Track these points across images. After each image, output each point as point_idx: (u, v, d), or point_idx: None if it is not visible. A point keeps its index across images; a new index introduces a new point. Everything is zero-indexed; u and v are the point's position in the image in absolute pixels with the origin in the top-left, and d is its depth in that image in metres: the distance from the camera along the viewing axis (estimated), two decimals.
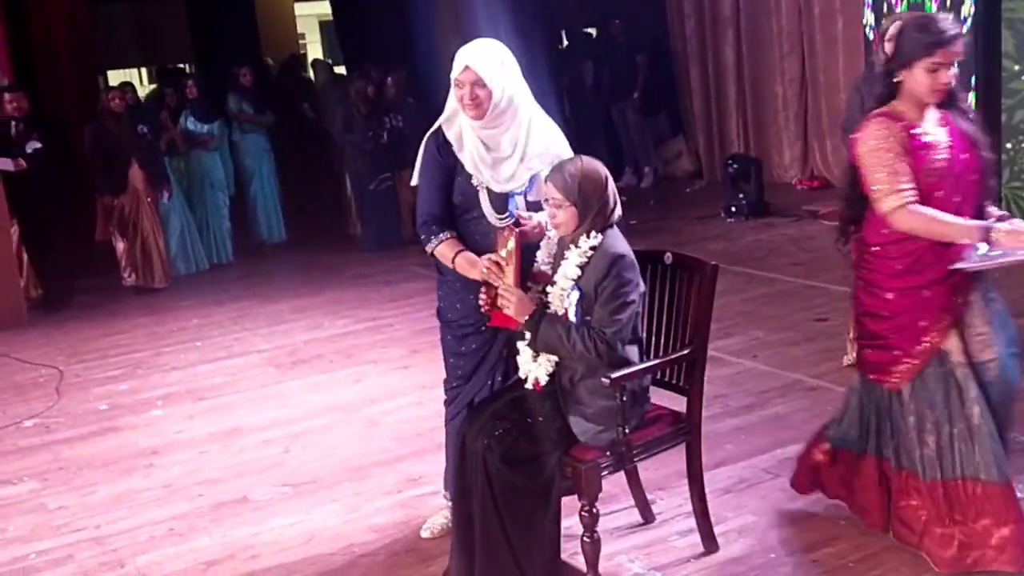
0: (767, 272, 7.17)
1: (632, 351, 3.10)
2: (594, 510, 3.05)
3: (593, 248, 3.04)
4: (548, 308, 3.09)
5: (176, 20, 12.75)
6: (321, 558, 3.63)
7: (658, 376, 3.32)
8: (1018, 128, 7.53)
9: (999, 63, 7.60)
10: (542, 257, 3.25)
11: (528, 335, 3.06)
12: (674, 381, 3.33)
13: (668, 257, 3.38)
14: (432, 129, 3.40)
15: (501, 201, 3.30)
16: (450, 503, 3.62)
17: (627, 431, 3.07)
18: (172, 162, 8.76)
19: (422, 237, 3.37)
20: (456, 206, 3.35)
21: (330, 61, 14.58)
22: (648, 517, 3.64)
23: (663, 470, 3.85)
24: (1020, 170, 7.60)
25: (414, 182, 3.45)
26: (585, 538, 3.07)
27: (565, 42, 12.33)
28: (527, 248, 3.17)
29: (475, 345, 3.44)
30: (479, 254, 3.28)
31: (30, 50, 9.99)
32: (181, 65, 13.53)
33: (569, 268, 3.07)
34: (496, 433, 3.09)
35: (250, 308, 7.55)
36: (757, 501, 3.74)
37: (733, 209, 9.24)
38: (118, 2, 12.19)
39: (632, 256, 3.08)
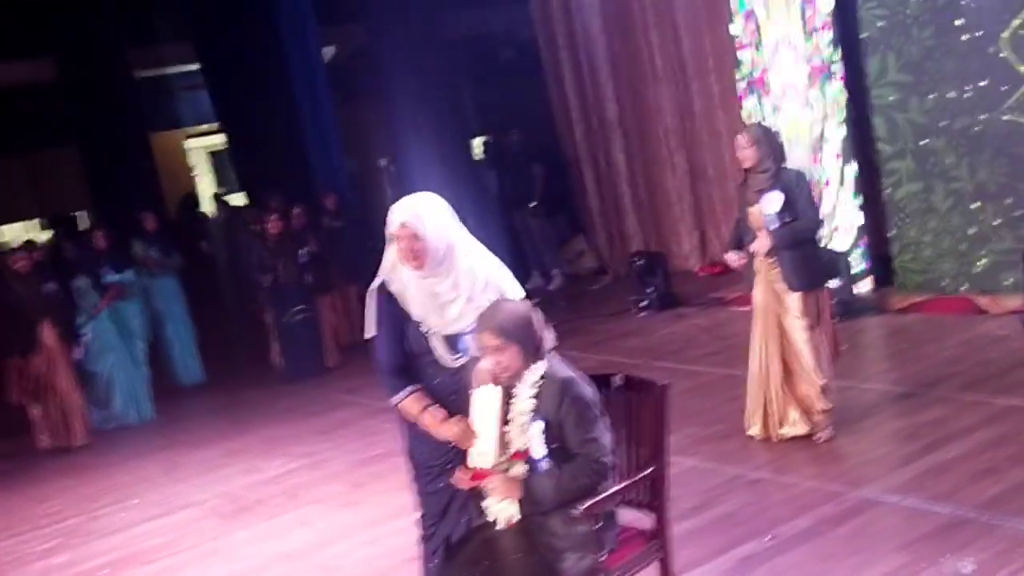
0: (688, 365, 7.41)
1: None
2: None
3: (542, 377, 3.18)
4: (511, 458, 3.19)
5: (71, 167, 12.67)
6: None
7: (625, 497, 3.44)
8: (900, 205, 8.02)
9: (874, 147, 8.13)
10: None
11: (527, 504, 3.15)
12: (639, 499, 3.45)
13: (619, 378, 3.53)
14: (376, 283, 3.52)
15: (453, 342, 3.43)
16: None
17: (604, 557, 3.17)
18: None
19: (386, 389, 3.46)
20: (411, 353, 3.46)
21: (223, 191, 14.71)
22: None
23: None
24: (908, 244, 8.06)
25: (369, 334, 3.55)
26: None
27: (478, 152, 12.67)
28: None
29: (443, 484, 3.51)
30: (440, 396, 3.40)
31: None
32: (75, 213, 13.42)
33: (523, 403, 3.19)
34: (479, 574, 3.16)
35: (179, 457, 7.44)
36: None
37: (643, 304, 9.53)
38: (10, 156, 12.06)
39: (577, 375, 3.22)
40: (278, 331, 9.50)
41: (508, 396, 3.24)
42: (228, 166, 16.12)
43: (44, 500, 6.94)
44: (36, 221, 12.31)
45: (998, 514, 4.18)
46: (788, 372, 5.37)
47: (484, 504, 3.29)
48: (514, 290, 3.50)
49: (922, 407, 5.67)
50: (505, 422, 3.23)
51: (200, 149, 18.69)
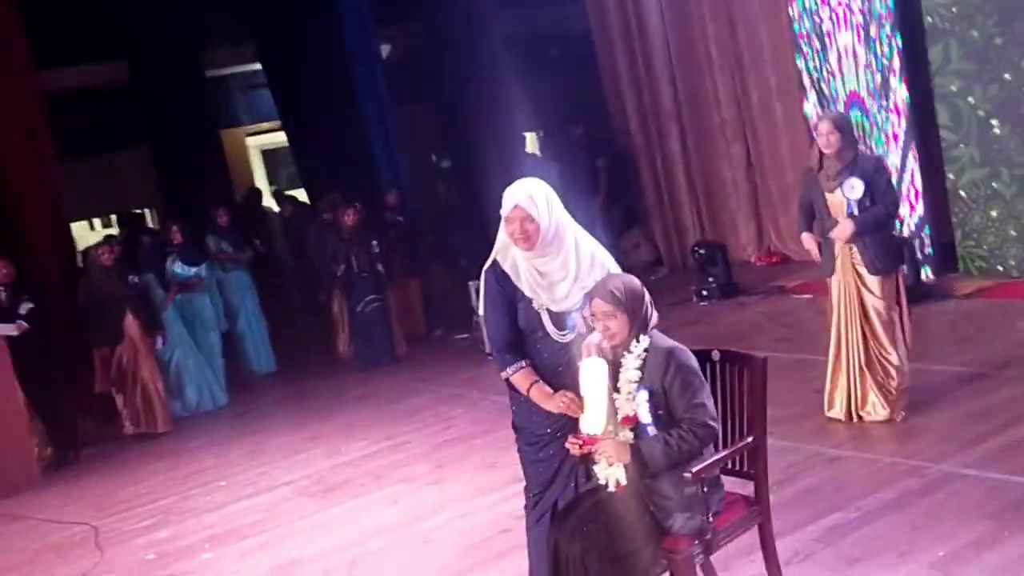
0: (756, 350, 7.48)
1: None
2: None
3: (646, 349, 3.37)
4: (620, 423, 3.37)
5: (139, 166, 13.02)
6: None
7: (725, 465, 3.61)
8: (964, 192, 8.10)
9: (937, 135, 8.22)
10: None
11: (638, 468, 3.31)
12: (738, 468, 3.63)
13: (716, 354, 3.71)
14: (488, 263, 3.73)
15: (561, 320, 3.62)
16: None
17: (711, 518, 3.35)
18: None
19: (497, 363, 3.67)
20: (522, 329, 3.66)
21: (276, 187, 15.04)
22: None
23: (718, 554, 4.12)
24: (971, 231, 8.15)
25: (480, 312, 3.76)
26: None
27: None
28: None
29: (552, 451, 3.70)
30: (548, 370, 3.61)
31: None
32: (139, 211, 13.76)
33: (629, 372, 3.37)
34: (590, 535, 3.35)
35: (261, 442, 7.71)
36: (818, 570, 4.01)
37: (704, 293, 9.68)
38: (82, 158, 12.42)
39: (679, 344, 3.41)
40: (348, 322, 9.78)
41: (615, 367, 3.43)
42: (281, 163, 16.50)
43: (135, 483, 7.24)
44: (105, 219, 12.64)
45: None
46: (868, 356, 5.49)
47: (594, 468, 3.47)
48: (617, 270, 3.69)
49: (995, 387, 5.78)
50: (613, 392, 3.42)
51: (255, 148, 19.07)
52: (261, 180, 16.75)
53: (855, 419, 5.54)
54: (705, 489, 3.34)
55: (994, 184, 7.89)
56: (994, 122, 7.79)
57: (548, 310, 3.62)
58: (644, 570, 3.31)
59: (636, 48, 11.77)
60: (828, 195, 5.40)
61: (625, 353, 3.40)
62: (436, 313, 10.92)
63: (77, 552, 5.99)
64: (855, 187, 5.27)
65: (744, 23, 10.56)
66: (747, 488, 3.65)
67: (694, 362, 3.39)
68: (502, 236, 3.68)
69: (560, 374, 3.61)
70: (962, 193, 8.10)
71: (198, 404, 9.07)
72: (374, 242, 9.59)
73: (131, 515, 6.49)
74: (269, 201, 13.75)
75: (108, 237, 9.18)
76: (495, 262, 3.71)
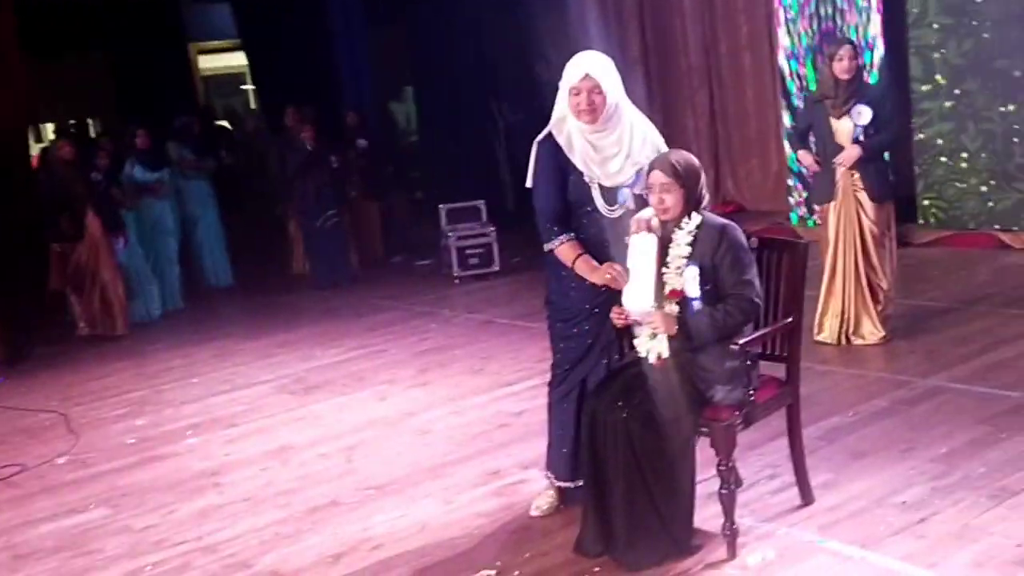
0: None
1: None
2: (731, 464, 3.41)
3: (698, 226, 3.42)
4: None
5: (94, 72, 12.61)
6: (446, 542, 3.84)
7: (762, 347, 3.70)
8: (929, 144, 8.36)
9: (908, 86, 8.43)
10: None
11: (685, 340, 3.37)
12: (771, 352, 3.73)
13: (754, 241, 3.79)
14: (541, 136, 3.75)
15: (611, 195, 3.67)
16: (555, 483, 3.93)
17: (752, 392, 3.45)
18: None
19: (543, 235, 3.70)
20: (571, 202, 3.69)
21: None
22: (737, 482, 4.00)
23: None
24: (933, 182, 8.41)
25: (529, 184, 3.78)
26: (723, 490, 3.42)
27: None
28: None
29: (587, 327, 3.75)
30: (594, 245, 3.65)
31: None
32: (75, 122, 13.33)
33: (680, 248, 3.42)
34: (632, 403, 3.42)
35: (228, 346, 7.62)
36: (825, 463, 4.14)
37: None
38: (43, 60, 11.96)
39: (733, 223, 3.48)
40: (305, 239, 9.68)
41: (665, 243, 3.48)
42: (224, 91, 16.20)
43: (101, 377, 7.11)
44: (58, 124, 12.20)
45: None
46: (861, 282, 5.62)
47: (636, 341, 3.53)
48: (666, 151, 3.74)
49: (968, 319, 6.02)
50: (661, 266, 3.47)
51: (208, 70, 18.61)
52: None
53: (845, 343, 5.68)
54: (748, 363, 3.43)
55: (961, 138, 8.15)
56: (966, 77, 8.03)
57: (600, 184, 3.66)
58: (686, 436, 3.39)
59: None
60: (834, 121, 5.49)
61: (676, 229, 3.45)
62: (395, 240, 10.86)
63: (49, 435, 5.87)
64: (862, 113, 5.39)
65: None
66: (778, 372, 3.75)
67: (745, 240, 3.47)
68: (560, 109, 3.69)
69: (606, 249, 3.65)
70: (927, 144, 8.34)
71: (153, 309, 8.88)
72: (332, 158, 9.52)
73: (102, 404, 6.38)
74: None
75: (64, 132, 8.89)
76: (549, 134, 3.72)
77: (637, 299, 3.46)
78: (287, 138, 9.71)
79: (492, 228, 9.04)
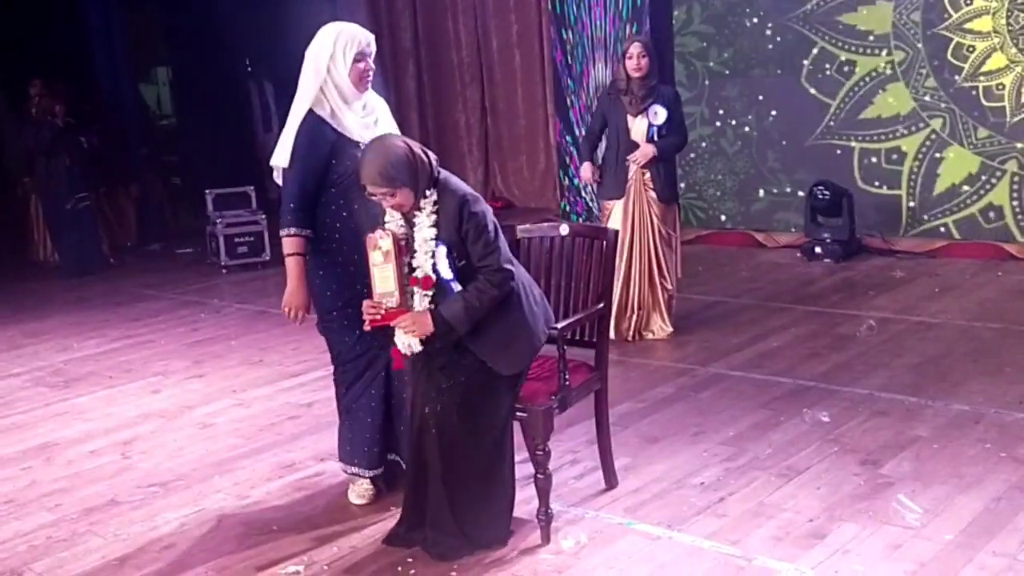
0: None
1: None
2: (547, 449, 3.40)
3: (435, 203, 3.24)
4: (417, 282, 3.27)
5: None
6: (244, 537, 3.62)
7: (568, 335, 3.71)
8: (691, 146, 8.77)
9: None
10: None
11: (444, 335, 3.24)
12: (580, 338, 3.76)
13: (564, 229, 3.82)
14: (302, 111, 3.61)
15: None
16: (356, 474, 3.80)
17: (567, 378, 3.45)
18: None
19: (286, 219, 3.63)
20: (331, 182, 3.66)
21: None
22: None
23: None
24: (694, 183, 8.85)
25: (282, 162, 3.62)
26: (539, 475, 3.40)
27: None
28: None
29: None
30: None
31: None
32: None
33: (424, 231, 3.24)
34: (447, 391, 3.30)
35: None
36: (622, 448, 4.21)
37: None
38: None
39: (470, 190, 3.32)
40: (51, 223, 8.97)
41: (409, 226, 3.29)
42: None
43: None
44: None
45: (833, 383, 4.85)
46: (653, 279, 5.78)
47: (396, 339, 3.35)
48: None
49: (736, 311, 6.37)
50: (405, 259, 3.28)
51: None
52: None
53: (638, 338, 5.79)
54: (562, 349, 3.43)
55: (720, 141, 8.61)
56: (726, 84, 8.50)
57: None
58: (503, 419, 3.33)
59: None
60: (630, 118, 5.62)
61: (416, 212, 3.27)
62: (152, 226, 10.26)
63: None
64: (658, 113, 5.53)
65: None
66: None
67: (486, 207, 3.30)
68: (326, 83, 3.62)
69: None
70: (690, 147, 8.76)
71: None
72: (82, 138, 8.90)
73: None
74: None
75: None
76: (310, 110, 3.61)
77: (387, 300, 3.27)
78: (28, 112, 8.94)
79: (263, 215, 8.71)
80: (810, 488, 3.71)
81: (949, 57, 7.39)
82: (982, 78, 7.28)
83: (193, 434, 4.76)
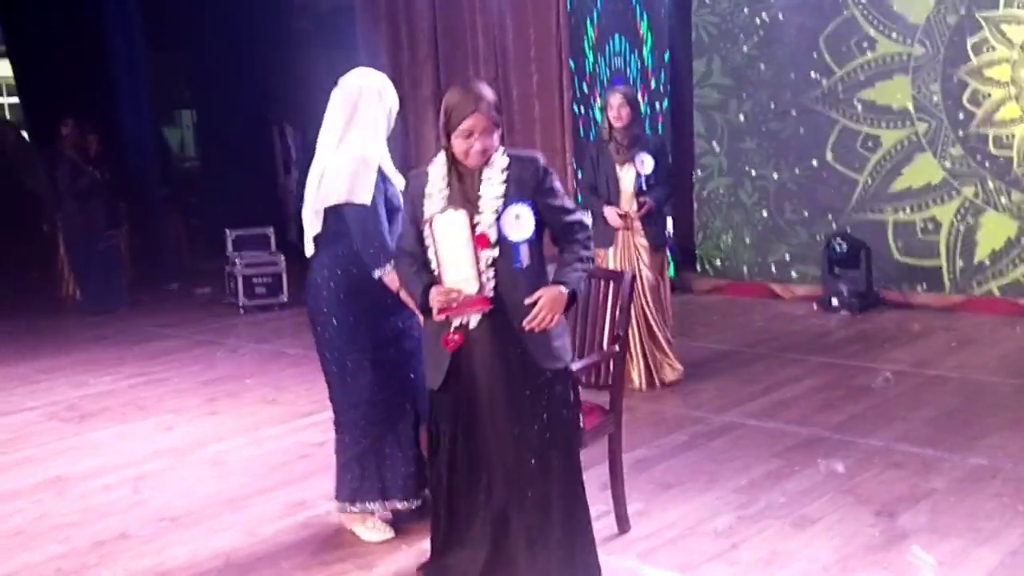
0: None
1: None
2: None
3: (506, 163, 3.01)
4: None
5: None
6: (255, 573, 3.60)
7: (582, 379, 3.69)
8: (709, 197, 8.82)
9: (692, 143, 8.89)
10: None
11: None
12: (595, 381, 3.76)
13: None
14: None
15: None
16: (369, 510, 3.78)
17: (581, 420, 3.41)
18: None
19: (385, 258, 3.59)
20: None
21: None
22: None
23: None
24: (711, 234, 8.88)
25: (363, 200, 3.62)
26: None
27: None
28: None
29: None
30: None
31: None
32: None
33: (494, 188, 2.98)
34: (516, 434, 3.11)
35: None
36: (637, 493, 4.19)
37: None
38: None
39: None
40: (77, 259, 9.05)
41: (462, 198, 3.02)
42: None
43: None
44: None
45: (848, 435, 4.82)
46: (650, 325, 5.75)
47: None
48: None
49: (750, 361, 6.35)
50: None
51: None
52: None
53: (651, 386, 5.74)
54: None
55: (739, 192, 8.64)
56: (744, 136, 8.54)
57: None
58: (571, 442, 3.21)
59: (401, 27, 11.79)
60: (618, 167, 5.61)
61: (484, 169, 3.00)
62: (170, 266, 10.33)
63: None
64: (645, 162, 5.55)
65: (514, 18, 10.87)
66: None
67: None
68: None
69: None
70: (707, 198, 8.81)
71: None
72: (107, 175, 9.03)
73: None
74: None
75: None
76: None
77: (464, 286, 2.98)
78: (60, 151, 9.06)
79: (282, 257, 8.76)
80: (824, 538, 3.68)
81: (965, 102, 7.40)
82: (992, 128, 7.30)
83: (205, 471, 4.76)
